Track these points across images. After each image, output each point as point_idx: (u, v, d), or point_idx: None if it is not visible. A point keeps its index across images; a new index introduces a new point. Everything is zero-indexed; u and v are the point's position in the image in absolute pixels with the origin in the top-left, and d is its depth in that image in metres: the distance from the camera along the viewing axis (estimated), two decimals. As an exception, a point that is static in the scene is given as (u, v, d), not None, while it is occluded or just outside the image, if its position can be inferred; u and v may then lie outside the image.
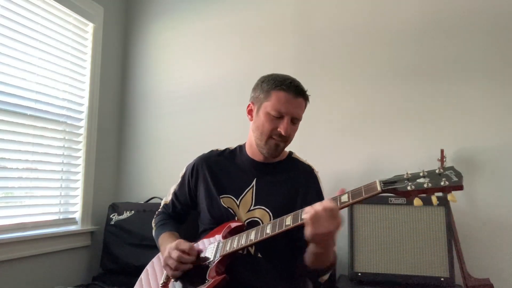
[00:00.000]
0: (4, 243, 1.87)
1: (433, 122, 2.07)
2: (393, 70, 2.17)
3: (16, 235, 1.94)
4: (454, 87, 2.05)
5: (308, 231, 1.00)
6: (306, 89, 1.28)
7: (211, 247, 1.22)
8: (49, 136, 2.19)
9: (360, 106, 2.21)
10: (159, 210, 1.53)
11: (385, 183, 0.98)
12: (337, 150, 2.22)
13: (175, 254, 1.17)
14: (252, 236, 1.12)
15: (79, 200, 2.38)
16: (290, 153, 1.44)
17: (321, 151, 2.23)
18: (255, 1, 2.51)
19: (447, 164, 1.95)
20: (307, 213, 1.01)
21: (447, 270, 1.74)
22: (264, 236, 1.09)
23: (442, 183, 0.92)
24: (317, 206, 1.00)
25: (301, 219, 1.03)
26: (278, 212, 1.21)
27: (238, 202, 1.31)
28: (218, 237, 1.23)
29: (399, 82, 2.15)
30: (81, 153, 2.40)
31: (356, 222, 1.88)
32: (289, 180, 1.32)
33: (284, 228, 1.07)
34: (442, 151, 1.95)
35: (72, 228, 2.32)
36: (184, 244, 1.19)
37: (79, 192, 2.39)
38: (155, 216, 1.52)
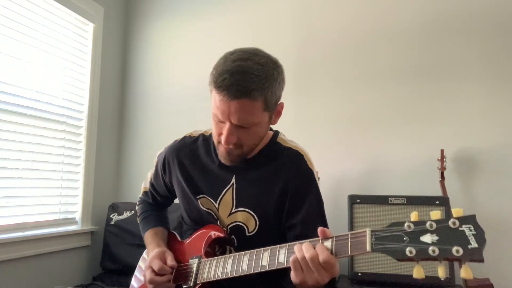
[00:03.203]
0: (4, 243, 1.87)
1: (433, 122, 2.07)
2: (393, 70, 2.17)
3: (16, 235, 1.94)
4: (454, 87, 2.05)
5: (292, 276, 0.84)
6: (252, 87, 0.92)
7: (191, 265, 1.11)
8: (49, 136, 2.19)
9: (360, 106, 2.21)
10: (140, 196, 1.39)
11: (378, 238, 0.75)
12: (337, 149, 2.22)
13: (148, 275, 1.08)
14: (228, 268, 0.99)
15: (79, 200, 2.39)
16: (274, 135, 1.17)
17: (321, 150, 2.23)
18: (254, 0, 2.52)
19: (447, 164, 1.95)
20: (291, 252, 0.84)
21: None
22: (240, 273, 0.96)
23: (454, 251, 0.67)
24: (305, 251, 0.81)
25: (279, 263, 0.88)
26: (264, 215, 1.09)
27: (217, 205, 1.13)
28: (199, 250, 1.12)
29: (400, 82, 2.15)
30: (81, 153, 2.40)
31: (356, 222, 1.87)
32: (275, 173, 1.09)
33: (260, 269, 0.91)
34: (442, 151, 1.95)
35: (72, 228, 2.32)
36: (157, 263, 1.08)
37: (79, 192, 2.39)
38: (137, 203, 1.40)
